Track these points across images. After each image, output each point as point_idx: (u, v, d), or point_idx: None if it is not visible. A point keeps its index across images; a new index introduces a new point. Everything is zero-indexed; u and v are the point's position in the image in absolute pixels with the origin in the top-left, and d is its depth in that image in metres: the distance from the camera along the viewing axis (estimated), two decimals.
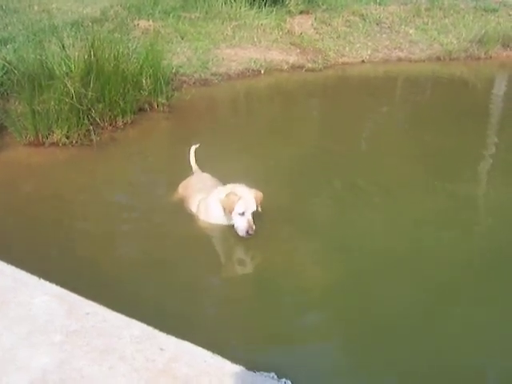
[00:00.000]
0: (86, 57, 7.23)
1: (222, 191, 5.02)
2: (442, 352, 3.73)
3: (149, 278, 4.38)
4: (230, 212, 4.88)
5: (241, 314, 4.09)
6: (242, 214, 4.86)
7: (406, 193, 5.99)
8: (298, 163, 6.56)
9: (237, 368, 2.90)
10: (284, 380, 3.02)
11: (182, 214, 5.35)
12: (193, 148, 6.01)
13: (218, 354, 3.02)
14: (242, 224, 4.87)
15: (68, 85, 6.61)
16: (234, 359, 3.00)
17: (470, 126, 8.21)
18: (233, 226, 4.97)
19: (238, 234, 4.92)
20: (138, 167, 6.56)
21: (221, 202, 4.94)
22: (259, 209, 4.95)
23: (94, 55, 7.18)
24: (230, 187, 5.02)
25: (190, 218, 5.27)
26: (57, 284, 3.52)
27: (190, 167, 5.94)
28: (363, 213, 5.56)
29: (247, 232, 4.83)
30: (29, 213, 5.36)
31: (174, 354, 2.90)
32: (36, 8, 11.63)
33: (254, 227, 4.83)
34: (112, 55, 7.37)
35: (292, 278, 4.53)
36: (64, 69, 7.22)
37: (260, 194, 5.00)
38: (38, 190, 5.86)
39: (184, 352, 2.92)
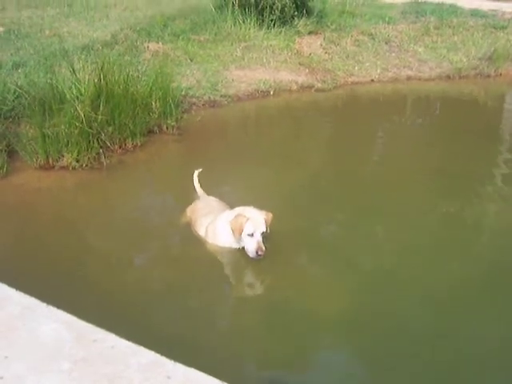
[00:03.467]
0: (95, 80, 7.26)
1: (231, 214, 5.00)
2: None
3: (158, 303, 4.37)
4: (240, 234, 4.87)
5: (252, 340, 4.06)
6: (252, 235, 4.84)
7: (417, 214, 5.96)
8: (308, 185, 6.56)
9: None
10: None
11: (191, 237, 5.34)
12: (196, 173, 6.02)
13: (228, 382, 2.98)
14: (251, 245, 4.85)
15: (78, 109, 6.64)
16: None
17: (481, 145, 8.15)
18: (242, 248, 4.97)
19: (248, 256, 4.90)
20: (148, 190, 6.59)
21: (230, 224, 4.92)
22: (268, 230, 4.92)
23: (104, 78, 7.21)
24: (238, 210, 5.00)
25: (199, 241, 5.25)
26: (65, 310, 3.49)
27: (195, 191, 5.93)
28: (375, 235, 5.56)
29: (257, 253, 4.81)
30: (39, 237, 5.39)
31: (181, 382, 2.86)
32: (47, 32, 11.75)
33: (263, 248, 4.81)
34: (121, 78, 7.42)
35: (304, 302, 4.50)
36: (74, 92, 7.26)
37: (270, 215, 4.99)
38: (47, 214, 5.91)
39: (192, 381, 2.89)
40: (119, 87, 7.33)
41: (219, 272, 4.99)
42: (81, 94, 7.19)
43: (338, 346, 4.11)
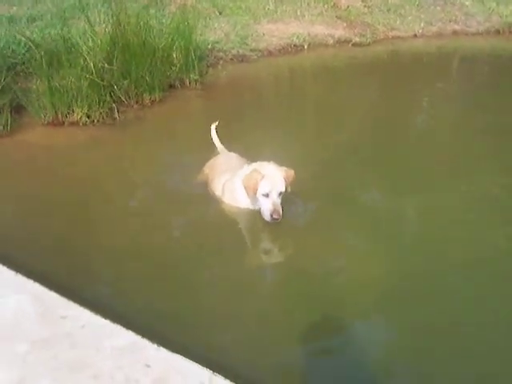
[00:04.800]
0: (111, 30, 6.66)
1: (247, 170, 4.37)
2: None
3: (164, 269, 3.83)
4: (254, 193, 4.24)
5: (265, 312, 3.47)
6: (267, 195, 4.20)
7: (463, 184, 5.23)
8: (340, 147, 5.85)
9: None
10: None
11: (207, 197, 4.76)
12: (213, 126, 5.40)
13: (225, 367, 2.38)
14: (266, 207, 4.22)
15: (88, 59, 6.06)
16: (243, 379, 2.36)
17: None
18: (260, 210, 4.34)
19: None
20: (165, 147, 5.94)
21: (242, 182, 4.29)
22: (289, 189, 4.28)
23: (119, 28, 6.60)
24: (255, 165, 4.36)
25: (215, 202, 4.66)
26: (43, 278, 2.94)
27: (215, 147, 5.32)
28: (405, 201, 4.86)
29: (272, 216, 4.17)
30: (45, 195, 4.87)
31: (162, 372, 2.28)
32: None
33: (280, 211, 4.17)
34: (139, 28, 6.78)
35: (324, 274, 3.93)
36: (88, 44, 6.67)
37: (291, 173, 4.33)
38: (55, 172, 5.36)
39: (176, 370, 2.31)
40: (136, 37, 6.70)
41: (233, 236, 4.39)
42: (95, 46, 6.59)
43: (366, 316, 3.50)
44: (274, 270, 4.11)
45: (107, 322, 2.57)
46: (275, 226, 4.27)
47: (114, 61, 6.40)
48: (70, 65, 6.20)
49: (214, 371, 2.34)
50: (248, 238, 4.43)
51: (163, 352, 2.40)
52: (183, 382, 2.27)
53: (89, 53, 6.28)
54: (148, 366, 2.32)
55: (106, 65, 6.25)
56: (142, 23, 6.87)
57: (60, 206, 4.71)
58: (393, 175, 5.30)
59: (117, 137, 6.10)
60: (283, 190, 4.23)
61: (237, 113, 6.66)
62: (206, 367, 2.37)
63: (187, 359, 2.38)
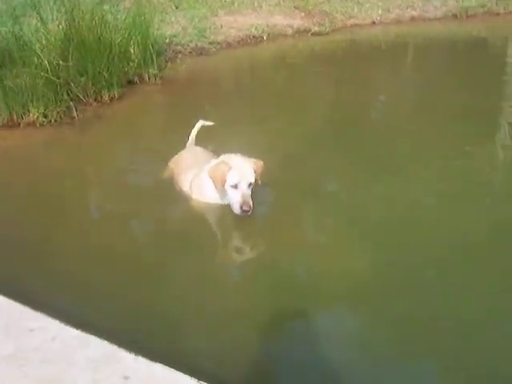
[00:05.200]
0: (64, 26, 6.42)
1: (214, 162, 4.22)
2: None
3: (127, 271, 3.63)
4: (222, 185, 4.08)
5: (238, 313, 3.33)
6: (236, 186, 4.04)
7: (423, 165, 5.15)
8: (305, 136, 5.70)
9: None
10: None
11: (174, 194, 4.58)
12: (201, 123, 5.20)
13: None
14: (235, 199, 4.07)
15: (42, 56, 5.82)
16: None
17: (491, 89, 7.30)
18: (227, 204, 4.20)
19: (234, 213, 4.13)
20: (126, 145, 5.76)
21: (209, 173, 4.13)
22: (259, 181, 4.14)
23: (73, 24, 6.36)
24: (222, 157, 4.21)
25: (182, 197, 4.49)
26: (6, 289, 2.74)
27: (186, 140, 5.14)
28: (376, 190, 4.75)
29: (241, 208, 4.02)
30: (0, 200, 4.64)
31: (143, 382, 2.11)
32: None
33: (250, 203, 4.02)
34: (94, 23, 6.54)
35: (296, 268, 3.84)
36: (42, 42, 6.41)
37: (260, 164, 4.20)
38: (10, 175, 5.11)
39: (157, 380, 2.14)
40: (91, 33, 6.47)
41: (203, 233, 4.23)
42: (48, 43, 6.34)
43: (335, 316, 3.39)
44: (245, 266, 3.96)
45: (79, 332, 2.39)
46: (246, 221, 4.13)
47: (70, 57, 6.18)
48: (24, 63, 5.98)
49: (199, 379, 2.19)
50: (218, 234, 4.30)
51: (142, 362, 2.24)
52: None
53: (42, 50, 6.06)
54: (126, 377, 2.15)
55: (60, 62, 6.01)
56: (96, 18, 6.63)
57: (18, 210, 4.49)
58: (360, 164, 5.16)
59: (76, 136, 5.91)
60: (253, 180, 4.10)
61: (198, 107, 6.47)
62: (189, 375, 2.23)
63: (169, 368, 2.22)
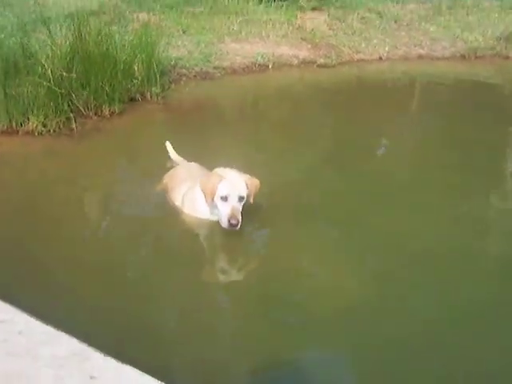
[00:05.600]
0: (70, 39, 6.44)
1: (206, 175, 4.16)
2: None
3: (114, 284, 3.54)
4: (212, 197, 4.01)
5: (220, 331, 3.23)
6: (225, 198, 3.96)
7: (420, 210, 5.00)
8: (302, 165, 5.66)
9: None
10: None
11: (165, 207, 4.52)
12: (167, 144, 5.28)
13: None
14: (224, 212, 3.98)
15: (46, 65, 5.82)
16: None
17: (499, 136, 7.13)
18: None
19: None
20: (123, 160, 5.81)
21: (200, 185, 4.06)
22: (251, 199, 4.06)
23: (79, 37, 6.38)
24: (216, 170, 4.15)
25: (174, 212, 4.42)
26: None
27: (173, 162, 5.17)
28: (371, 219, 4.69)
29: (229, 222, 3.92)
30: None
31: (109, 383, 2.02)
32: (32, 2, 10.91)
33: (239, 217, 3.94)
34: (100, 38, 6.56)
35: (285, 288, 3.74)
36: (48, 52, 6.42)
37: (255, 182, 4.14)
38: (5, 181, 5.08)
39: (125, 382, 2.04)
40: (96, 48, 6.49)
41: (192, 249, 4.15)
42: (54, 54, 6.35)
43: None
44: (232, 285, 3.89)
45: (48, 328, 2.30)
46: (235, 238, 4.06)
47: (74, 70, 6.17)
48: (28, 72, 5.96)
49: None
50: (206, 251, 4.21)
51: (112, 362, 2.14)
52: None
53: (47, 59, 6.04)
54: (93, 377, 2.06)
55: (64, 73, 5.99)
56: (102, 34, 6.65)
57: (10, 216, 4.40)
58: (357, 195, 5.10)
59: (73, 147, 5.91)
60: (244, 195, 4.02)
61: (198, 128, 6.45)
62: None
63: (138, 370, 2.12)
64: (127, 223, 4.47)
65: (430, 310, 3.56)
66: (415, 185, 5.51)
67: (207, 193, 4.01)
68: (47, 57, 6.26)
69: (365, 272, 3.89)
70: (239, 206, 3.99)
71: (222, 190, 3.98)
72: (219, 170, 4.14)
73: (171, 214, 4.44)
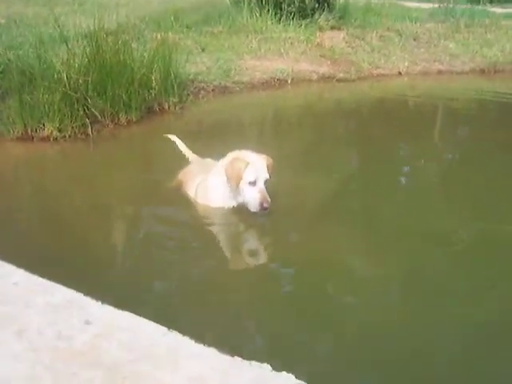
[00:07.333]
0: (87, 48, 6.46)
1: (225, 160, 4.05)
2: None
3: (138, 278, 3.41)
4: (238, 183, 3.91)
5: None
6: (254, 183, 3.88)
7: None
8: (322, 182, 5.22)
9: (207, 351, 1.86)
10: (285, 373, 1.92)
11: (179, 201, 4.40)
12: (174, 138, 5.24)
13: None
14: (254, 196, 3.90)
15: (61, 70, 5.82)
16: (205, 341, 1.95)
17: None
18: (237, 207, 4.04)
19: (246, 214, 4.00)
20: (139, 167, 5.64)
21: (225, 171, 3.97)
22: (270, 177, 3.97)
23: (96, 46, 6.40)
24: (232, 154, 4.05)
25: (188, 204, 4.31)
26: None
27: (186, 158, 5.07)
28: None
29: (261, 205, 3.85)
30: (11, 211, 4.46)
31: (105, 329, 1.89)
32: (51, 24, 11.05)
33: (269, 199, 3.86)
34: (117, 47, 6.57)
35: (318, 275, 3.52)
36: (63, 59, 6.43)
37: (271, 160, 4.03)
38: (20, 187, 5.04)
39: (122, 326, 1.91)
40: (113, 56, 6.49)
41: (209, 239, 4.00)
42: (69, 62, 6.35)
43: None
44: (249, 272, 3.73)
45: (45, 280, 2.18)
46: (251, 224, 3.92)
47: (90, 76, 6.16)
48: (42, 78, 5.94)
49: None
50: (221, 240, 4.06)
51: (109, 309, 2.01)
52: (132, 337, 1.87)
53: (62, 64, 6.03)
54: (88, 322, 1.93)
55: (80, 78, 5.98)
56: (120, 42, 6.66)
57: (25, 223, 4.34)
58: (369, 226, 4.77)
59: (89, 152, 5.82)
60: (268, 176, 3.94)
61: (215, 139, 6.30)
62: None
63: (137, 316, 1.99)
64: (143, 225, 4.33)
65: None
66: (438, 197, 5.25)
67: (233, 179, 3.92)
68: (63, 63, 6.24)
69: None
70: (265, 188, 3.91)
71: (249, 176, 3.89)
72: (238, 154, 4.04)
73: (185, 208, 4.32)
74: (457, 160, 6.59)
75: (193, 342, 1.87)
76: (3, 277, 2.18)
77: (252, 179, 3.89)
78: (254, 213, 3.95)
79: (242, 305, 3.18)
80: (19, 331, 1.87)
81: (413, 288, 3.50)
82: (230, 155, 4.06)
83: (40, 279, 2.18)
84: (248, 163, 3.90)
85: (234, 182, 3.91)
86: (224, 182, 4.04)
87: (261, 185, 3.91)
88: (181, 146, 5.14)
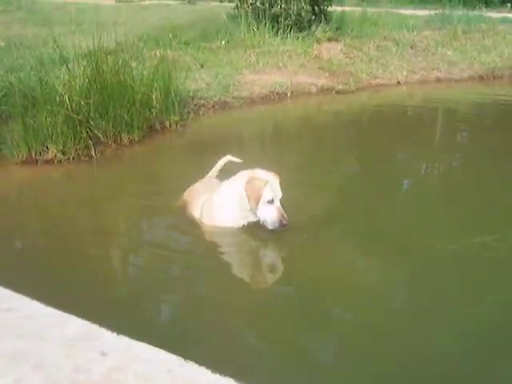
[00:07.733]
0: (88, 70, 6.50)
1: (239, 179, 4.10)
2: None
3: (147, 301, 3.42)
4: (257, 202, 3.95)
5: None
6: (272, 201, 3.95)
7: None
8: (324, 197, 5.18)
9: (223, 381, 1.87)
10: None
11: (185, 223, 4.42)
12: (227, 158, 5.14)
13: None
14: (272, 214, 3.96)
15: (62, 93, 5.85)
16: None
17: None
18: (243, 226, 4.10)
19: (255, 234, 4.11)
20: (142, 186, 5.63)
21: (245, 191, 4.00)
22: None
23: (97, 67, 6.44)
24: (245, 173, 4.08)
25: (193, 225, 4.32)
26: None
27: (208, 171, 5.08)
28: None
29: (281, 223, 3.93)
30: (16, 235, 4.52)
31: (121, 360, 1.90)
32: (50, 45, 11.12)
33: (286, 216, 3.94)
34: (117, 67, 6.62)
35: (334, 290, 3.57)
36: (65, 82, 6.47)
37: (278, 177, 4.11)
38: (26, 210, 5.03)
39: (137, 358, 1.93)
40: (114, 77, 6.53)
41: (218, 260, 4.00)
42: (71, 84, 6.39)
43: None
44: (258, 290, 3.74)
45: (58, 312, 2.20)
46: (258, 243, 3.95)
47: (91, 98, 6.20)
48: (45, 101, 5.98)
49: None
50: (236, 259, 4.08)
51: (124, 340, 2.03)
52: (147, 369, 1.88)
53: (64, 87, 6.07)
54: (104, 354, 1.95)
55: (81, 100, 6.02)
56: (120, 62, 6.71)
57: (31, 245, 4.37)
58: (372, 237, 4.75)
59: (93, 173, 5.86)
60: (281, 194, 4.03)
61: (217, 155, 6.30)
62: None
63: (153, 346, 2.01)
64: (149, 248, 4.32)
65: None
66: (442, 205, 5.27)
67: (253, 198, 3.97)
68: (64, 85, 6.28)
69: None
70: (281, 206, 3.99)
71: (268, 194, 3.95)
72: (251, 173, 4.07)
73: (192, 228, 4.33)
74: (457, 168, 6.61)
75: (209, 371, 1.89)
76: (17, 311, 2.20)
77: (270, 198, 3.95)
78: (272, 229, 4.01)
79: (255, 330, 3.18)
80: (38, 365, 1.89)
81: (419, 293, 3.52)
82: (244, 174, 4.08)
83: (54, 310, 2.20)
84: (267, 182, 3.96)
85: (254, 201, 3.95)
86: (233, 201, 4.07)
87: (278, 203, 3.98)
88: (219, 164, 5.13)
